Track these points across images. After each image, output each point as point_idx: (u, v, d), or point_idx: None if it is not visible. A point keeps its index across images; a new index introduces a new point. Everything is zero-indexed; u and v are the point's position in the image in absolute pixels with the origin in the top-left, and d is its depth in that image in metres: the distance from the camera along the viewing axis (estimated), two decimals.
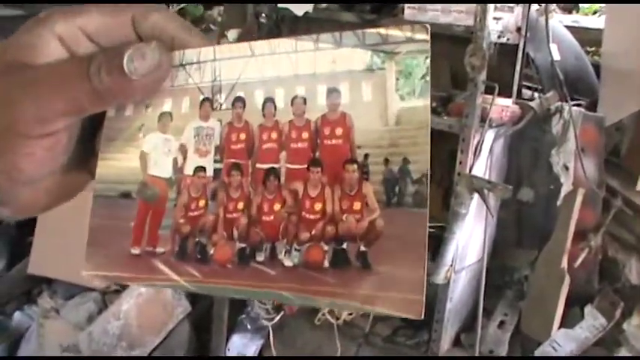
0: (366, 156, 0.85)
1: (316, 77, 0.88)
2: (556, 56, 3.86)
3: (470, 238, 3.69)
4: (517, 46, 3.78)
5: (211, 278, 0.89)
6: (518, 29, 3.69)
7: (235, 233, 0.91)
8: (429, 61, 0.82)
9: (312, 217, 0.87)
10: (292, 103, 0.89)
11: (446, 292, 3.69)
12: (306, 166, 0.88)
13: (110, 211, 0.98)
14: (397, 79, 0.86)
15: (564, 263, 3.50)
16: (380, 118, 0.87)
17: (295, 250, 0.87)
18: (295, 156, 0.90)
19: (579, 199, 3.55)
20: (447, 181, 3.99)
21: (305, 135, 0.90)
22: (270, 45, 0.92)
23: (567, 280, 3.50)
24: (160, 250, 0.95)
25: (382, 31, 0.87)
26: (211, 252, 0.91)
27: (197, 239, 0.93)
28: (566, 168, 3.62)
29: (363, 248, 0.83)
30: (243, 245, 0.90)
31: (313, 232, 0.86)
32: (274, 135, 0.91)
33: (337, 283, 0.83)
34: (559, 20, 4.20)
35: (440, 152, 3.94)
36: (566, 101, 3.71)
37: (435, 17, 3.58)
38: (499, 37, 3.54)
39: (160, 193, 0.98)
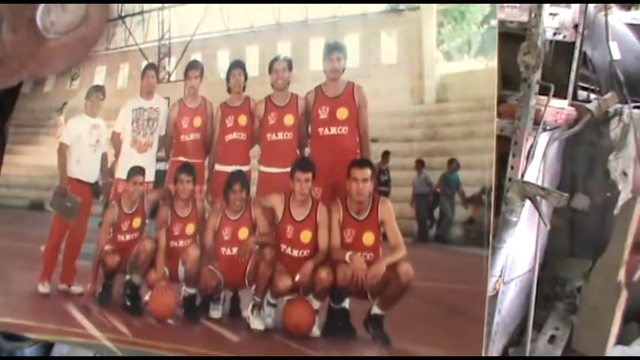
0: (386, 155, 0.59)
1: (308, 27, 0.62)
2: (615, 55, 3.65)
3: (520, 247, 3.48)
4: (574, 44, 3.56)
5: (145, 338, 0.65)
6: (576, 26, 3.48)
7: (181, 271, 0.68)
8: None
9: (296, 252, 0.62)
10: (271, 69, 0.66)
11: (494, 303, 3.48)
12: (289, 169, 0.64)
13: (16, 228, 0.79)
14: (441, 26, 0.58)
15: (621, 276, 3.29)
16: (411, 92, 0.58)
17: (269, 304, 0.62)
18: (273, 153, 0.66)
19: (638, 207, 3.35)
20: (496, 187, 3.86)
21: (289, 120, 0.64)
22: None
23: (624, 294, 3.28)
24: (76, 289, 0.75)
25: None
26: (146, 297, 0.69)
27: (128, 277, 0.72)
28: (625, 174, 3.43)
29: (376, 310, 0.58)
30: (192, 291, 0.68)
31: (297, 278, 0.62)
32: (243, 120, 0.67)
33: None
34: (618, 17, 4.03)
35: None
36: (626, 103, 3.49)
37: None
38: (555, 34, 3.34)
39: (82, 206, 0.76)
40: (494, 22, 0.55)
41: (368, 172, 0.60)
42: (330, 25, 0.62)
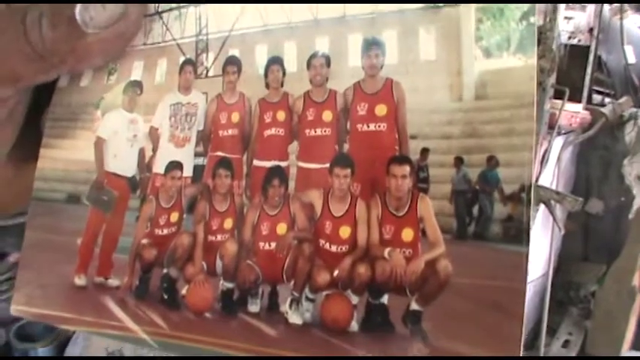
0: (425, 152, 0.57)
1: (346, 22, 0.61)
2: (631, 59, 3.67)
3: (534, 251, 3.46)
4: (588, 47, 3.57)
5: (182, 332, 0.64)
6: (591, 30, 3.48)
7: (219, 266, 0.67)
8: None
9: (335, 248, 0.61)
10: (309, 65, 0.63)
11: None
12: (327, 165, 0.62)
13: (52, 221, 0.75)
14: (479, 22, 0.57)
15: (636, 281, 3.32)
16: (449, 89, 0.57)
17: (307, 299, 0.62)
18: (312, 149, 0.64)
19: None
20: None
21: (327, 116, 0.63)
22: None
23: (639, 298, 3.24)
24: (113, 282, 0.71)
25: None
26: (184, 291, 0.67)
27: (165, 270, 0.69)
28: None
29: (415, 306, 0.56)
30: (230, 285, 0.66)
31: (336, 274, 0.60)
32: (281, 115, 0.66)
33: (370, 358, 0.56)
34: (634, 21, 3.97)
35: None
36: None
37: None
38: (570, 38, 3.36)
39: (119, 199, 0.74)
40: (532, 19, 0.51)
41: (407, 168, 0.58)
42: (368, 21, 0.61)
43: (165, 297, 0.68)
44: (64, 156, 0.75)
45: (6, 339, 3.86)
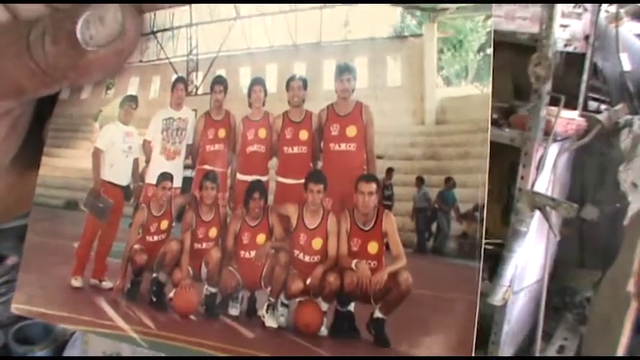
0: (390, 171, 0.59)
1: (322, 49, 0.64)
2: (626, 66, 3.61)
3: (529, 257, 3.42)
4: (584, 55, 3.52)
5: (168, 332, 0.66)
6: (586, 37, 3.43)
7: (204, 272, 0.69)
8: (491, 22, 0.56)
9: (307, 258, 0.63)
10: (288, 87, 0.65)
11: (503, 313, 3.47)
12: (303, 180, 0.64)
13: (51, 226, 0.77)
14: (441, 52, 0.59)
15: (631, 287, 3.22)
16: (413, 113, 0.60)
17: (282, 305, 0.64)
18: (289, 165, 0.66)
19: None
20: (506, 197, 3.74)
21: (303, 135, 0.66)
22: (261, 1, 0.66)
23: (634, 304, 3.20)
24: (106, 284, 0.74)
25: None
26: (171, 295, 0.70)
27: (154, 274, 0.71)
28: (635, 185, 3.35)
29: (378, 314, 0.59)
30: (213, 290, 0.68)
31: (308, 282, 0.62)
32: (263, 133, 0.68)
33: None
34: (629, 28, 3.90)
35: (500, 166, 3.69)
36: (636, 114, 3.43)
37: (498, 24, 3.34)
38: (565, 45, 3.30)
39: (114, 207, 0.76)
40: (489, 51, 0.52)
41: (374, 186, 0.60)
42: (341, 48, 0.63)
43: (154, 299, 0.70)
44: (64, 164, 0.77)
45: (4, 341, 3.84)
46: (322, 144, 0.64)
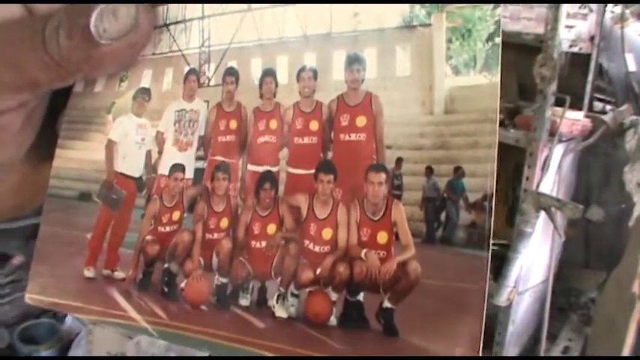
0: (399, 161, 0.59)
1: (332, 39, 0.63)
2: (631, 67, 3.59)
3: (535, 257, 3.41)
4: (589, 55, 3.51)
5: (180, 322, 0.67)
6: (592, 38, 3.41)
7: (215, 262, 0.69)
8: (500, 11, 0.55)
9: (317, 248, 0.63)
10: (298, 78, 0.65)
11: (508, 314, 3.46)
12: (313, 171, 0.64)
13: (65, 217, 0.77)
14: (449, 42, 0.59)
15: (636, 288, 3.19)
16: (422, 103, 0.59)
17: (292, 295, 0.64)
18: (300, 156, 0.66)
19: None
20: (512, 198, 3.72)
21: (314, 125, 0.65)
22: None
23: (638, 305, 3.16)
24: (119, 274, 0.73)
25: None
26: (182, 285, 0.69)
27: (166, 265, 0.71)
28: None
29: (387, 304, 0.59)
30: (224, 280, 0.67)
31: (318, 272, 0.62)
32: (274, 124, 0.67)
33: (346, 351, 0.58)
34: (635, 29, 3.87)
35: (505, 167, 3.67)
36: None
37: (503, 24, 3.27)
38: (571, 46, 3.29)
39: (126, 198, 0.76)
40: (497, 40, 0.54)
41: (383, 176, 0.60)
42: (351, 39, 0.63)
43: (166, 290, 0.70)
44: (78, 156, 0.77)
45: (9, 341, 3.85)
46: (332, 134, 0.65)
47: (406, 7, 0.60)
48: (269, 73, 0.68)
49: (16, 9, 0.65)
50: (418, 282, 0.56)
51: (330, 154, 0.64)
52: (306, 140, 0.66)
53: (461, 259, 0.55)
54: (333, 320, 0.61)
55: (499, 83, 0.53)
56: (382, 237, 0.61)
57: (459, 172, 0.56)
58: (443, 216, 0.58)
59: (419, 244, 0.58)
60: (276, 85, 0.67)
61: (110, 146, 0.76)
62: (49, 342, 4.00)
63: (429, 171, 0.58)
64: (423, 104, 0.60)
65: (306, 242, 0.64)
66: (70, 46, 0.62)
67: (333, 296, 0.62)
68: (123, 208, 0.77)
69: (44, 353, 3.96)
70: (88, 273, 0.75)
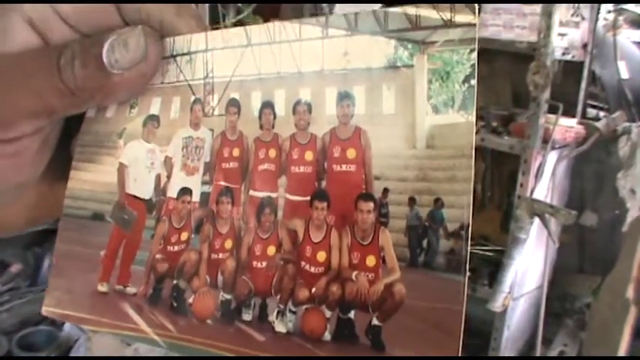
0: (386, 191, 0.63)
1: (324, 76, 0.67)
2: (624, 74, 3.54)
3: (529, 263, 3.39)
4: (582, 63, 3.49)
5: (187, 334, 0.70)
6: (584, 46, 3.39)
7: (220, 280, 0.72)
8: (475, 55, 0.58)
9: (313, 269, 0.67)
10: (294, 111, 0.69)
11: (503, 319, 3.45)
12: (308, 198, 0.67)
13: (79, 235, 0.80)
14: (430, 82, 0.63)
15: (630, 293, 3.15)
16: (405, 139, 0.64)
17: (290, 311, 0.68)
18: (296, 184, 0.69)
19: None
20: (506, 204, 3.70)
21: (309, 156, 0.69)
22: (270, 31, 0.70)
23: (633, 310, 3.15)
24: (130, 290, 0.77)
25: (411, 11, 0.62)
26: (190, 300, 0.73)
27: (175, 281, 0.74)
28: (633, 192, 3.28)
29: (375, 322, 0.62)
30: (229, 297, 0.71)
31: (314, 291, 0.66)
32: (273, 153, 0.71)
33: None
34: (627, 36, 3.82)
35: (500, 174, 3.65)
36: (634, 122, 3.36)
37: (497, 33, 3.31)
38: (564, 54, 3.25)
39: (137, 219, 0.79)
40: (473, 82, 0.55)
41: (371, 205, 0.64)
42: (341, 76, 0.66)
43: (175, 304, 0.73)
44: (91, 178, 0.79)
45: (8, 347, 3.85)
46: (326, 164, 0.67)
47: (391, 48, 0.63)
48: (268, 105, 0.70)
49: (32, 39, 0.68)
50: (403, 302, 0.60)
51: (323, 183, 0.67)
52: (302, 169, 0.69)
53: (441, 283, 0.58)
54: (327, 335, 0.64)
55: (474, 122, 0.56)
56: (371, 260, 0.64)
57: (438, 203, 0.59)
58: (425, 243, 0.61)
59: (403, 268, 0.61)
60: (275, 117, 0.70)
61: (122, 169, 0.79)
62: (47, 349, 3.96)
63: (412, 201, 0.61)
64: (407, 139, 0.63)
65: (303, 263, 0.67)
66: (84, 76, 0.65)
67: (327, 314, 0.65)
68: (134, 228, 0.79)
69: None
70: (102, 288, 0.77)
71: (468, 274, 0.56)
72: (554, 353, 3.65)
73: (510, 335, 3.53)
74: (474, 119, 0.57)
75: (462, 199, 0.57)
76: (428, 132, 0.63)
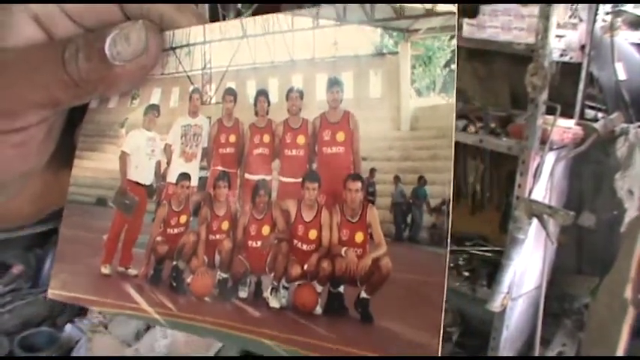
0: (372, 171, 0.66)
1: (315, 64, 0.70)
2: (621, 75, 3.54)
3: (528, 264, 3.40)
4: (580, 64, 3.50)
5: (187, 312, 0.73)
6: (582, 47, 3.40)
7: (217, 259, 0.75)
8: (455, 42, 0.61)
9: (305, 247, 0.70)
10: (287, 97, 0.72)
11: (502, 319, 3.46)
12: (300, 179, 0.70)
13: (83, 220, 0.83)
14: (413, 68, 0.66)
15: (628, 293, 3.16)
16: (391, 121, 0.67)
17: (283, 287, 0.70)
18: (289, 166, 0.73)
19: None
20: (505, 205, 3.71)
21: (301, 140, 0.72)
22: (264, 23, 0.73)
23: (631, 310, 3.15)
24: (132, 271, 0.80)
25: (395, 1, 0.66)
26: (189, 280, 0.76)
27: (174, 262, 0.77)
28: (631, 193, 3.27)
29: (364, 295, 0.65)
30: (225, 276, 0.74)
31: (305, 267, 0.69)
32: (267, 138, 0.74)
33: (329, 337, 0.65)
34: (625, 37, 3.82)
35: (498, 175, 3.67)
36: (632, 123, 3.36)
37: (495, 34, 3.32)
38: (561, 55, 3.26)
39: (139, 204, 0.82)
40: (453, 66, 0.62)
41: (359, 184, 0.67)
42: (331, 64, 0.69)
43: (174, 284, 0.76)
44: (94, 166, 0.82)
45: (10, 348, 3.85)
46: (316, 147, 0.70)
47: (377, 37, 0.66)
48: (262, 93, 0.73)
49: (38, 34, 0.71)
50: (389, 275, 0.63)
51: (314, 165, 0.70)
52: (294, 152, 0.72)
53: (424, 256, 0.61)
54: (318, 309, 0.67)
55: (455, 104, 0.60)
56: (359, 237, 0.66)
57: (421, 180, 0.62)
58: (409, 219, 0.64)
59: (389, 243, 0.64)
60: (269, 104, 0.73)
61: (123, 157, 0.82)
62: (48, 350, 3.94)
63: (397, 180, 0.64)
64: (392, 122, 0.66)
65: (295, 241, 0.70)
66: (88, 68, 0.68)
67: (318, 288, 0.68)
68: (135, 212, 0.82)
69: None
70: (105, 270, 0.80)
71: (449, 247, 0.59)
72: (552, 353, 3.65)
73: (509, 335, 3.54)
74: (454, 101, 0.60)
75: (443, 177, 0.60)
76: (412, 114, 0.65)
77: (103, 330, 4.22)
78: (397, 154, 0.65)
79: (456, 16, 0.59)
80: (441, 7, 0.60)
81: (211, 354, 3.88)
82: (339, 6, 0.66)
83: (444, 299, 0.58)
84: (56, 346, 4.06)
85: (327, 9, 0.68)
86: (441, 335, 0.58)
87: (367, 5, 0.66)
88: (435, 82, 0.64)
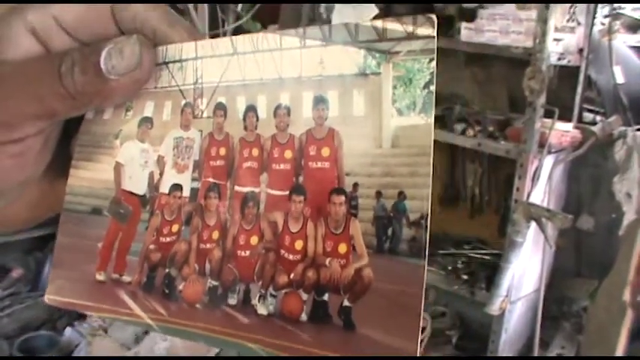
0: (355, 186, 0.69)
1: (301, 82, 0.73)
2: (619, 79, 3.56)
3: (526, 267, 3.42)
4: (578, 68, 3.53)
5: (178, 318, 0.76)
6: (580, 51, 3.42)
7: (208, 268, 0.77)
8: (434, 64, 0.64)
9: (291, 257, 0.73)
10: (275, 114, 0.74)
11: (500, 323, 3.49)
12: (287, 192, 0.73)
13: (79, 228, 0.85)
14: (395, 88, 0.69)
15: (626, 296, 3.18)
16: (373, 139, 0.70)
17: (271, 295, 0.73)
18: (276, 179, 0.75)
19: None
20: (503, 208, 3.73)
21: (288, 154, 0.75)
22: (254, 41, 0.76)
23: (629, 313, 3.17)
24: (126, 278, 0.82)
25: (378, 24, 0.70)
26: (180, 287, 0.78)
27: (167, 270, 0.80)
28: (629, 196, 3.30)
29: (346, 303, 0.68)
30: (215, 283, 0.76)
31: (292, 276, 0.72)
32: (255, 152, 0.77)
33: (314, 343, 0.68)
34: (623, 41, 3.82)
35: (496, 178, 3.68)
36: (630, 126, 3.38)
37: (493, 38, 3.35)
38: (559, 59, 3.29)
39: (133, 213, 0.84)
40: (432, 88, 0.65)
41: (343, 198, 0.69)
42: (317, 82, 0.71)
43: (167, 291, 0.78)
44: (89, 176, 0.84)
45: (9, 352, 3.85)
46: (303, 162, 0.73)
47: (361, 57, 0.69)
48: (251, 109, 0.76)
49: (35, 47, 0.72)
50: (371, 285, 0.65)
51: (301, 179, 0.73)
52: (281, 166, 0.74)
53: (404, 267, 0.64)
54: (304, 316, 0.70)
55: (433, 124, 0.63)
56: (342, 248, 0.69)
57: (401, 195, 0.65)
58: (390, 231, 0.67)
59: (371, 254, 0.67)
60: (257, 119, 0.75)
61: (118, 168, 0.84)
62: (48, 354, 3.98)
63: (379, 195, 0.67)
64: (375, 139, 0.69)
65: (282, 252, 0.72)
66: (84, 81, 0.69)
67: (304, 296, 0.70)
68: (129, 221, 0.84)
69: None
70: (100, 277, 0.82)
71: (426, 258, 0.62)
72: (552, 356, 3.67)
73: (508, 338, 3.55)
74: (432, 121, 0.63)
75: (422, 192, 0.63)
76: (393, 132, 0.68)
77: (103, 333, 4.23)
78: (379, 170, 0.68)
79: (436, 39, 0.61)
80: (421, 31, 0.63)
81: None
82: (325, 27, 0.69)
83: (422, 307, 0.60)
84: (56, 349, 4.06)
85: (313, 30, 0.70)
86: (419, 341, 0.61)
87: (352, 26, 0.69)
88: (415, 103, 0.67)
